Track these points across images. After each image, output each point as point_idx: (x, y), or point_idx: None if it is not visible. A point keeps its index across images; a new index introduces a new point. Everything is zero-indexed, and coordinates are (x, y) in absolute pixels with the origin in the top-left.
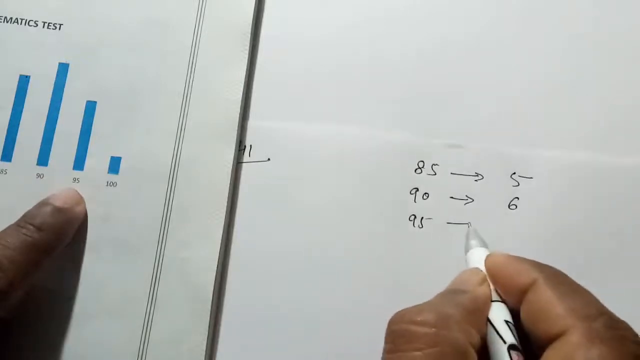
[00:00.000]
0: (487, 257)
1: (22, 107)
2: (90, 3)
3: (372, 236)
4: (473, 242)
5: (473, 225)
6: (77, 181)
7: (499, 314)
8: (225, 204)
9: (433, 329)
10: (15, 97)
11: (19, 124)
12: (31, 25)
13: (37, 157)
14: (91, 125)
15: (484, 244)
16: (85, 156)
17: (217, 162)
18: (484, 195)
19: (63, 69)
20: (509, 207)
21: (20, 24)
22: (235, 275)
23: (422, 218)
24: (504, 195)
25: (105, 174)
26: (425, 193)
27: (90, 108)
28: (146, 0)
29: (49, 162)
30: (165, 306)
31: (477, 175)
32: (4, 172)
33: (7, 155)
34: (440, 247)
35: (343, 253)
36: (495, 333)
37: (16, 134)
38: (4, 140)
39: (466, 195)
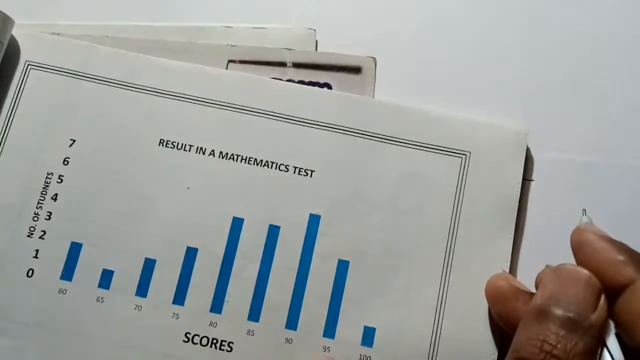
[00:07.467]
0: (578, 233)
1: (272, 261)
2: (344, 155)
3: None
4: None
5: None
6: (327, 350)
7: None
8: None
9: None
10: (264, 249)
11: (267, 280)
12: (282, 170)
13: (285, 319)
14: (343, 288)
15: (589, 219)
16: (337, 323)
17: (480, 347)
18: None
19: (314, 220)
20: None
21: (271, 167)
22: None
23: None
24: None
25: (358, 345)
26: None
27: (343, 267)
28: (409, 155)
29: (298, 325)
30: None
31: None
32: (251, 333)
33: (255, 315)
34: None
35: None
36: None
37: (264, 291)
38: (251, 299)
39: None
